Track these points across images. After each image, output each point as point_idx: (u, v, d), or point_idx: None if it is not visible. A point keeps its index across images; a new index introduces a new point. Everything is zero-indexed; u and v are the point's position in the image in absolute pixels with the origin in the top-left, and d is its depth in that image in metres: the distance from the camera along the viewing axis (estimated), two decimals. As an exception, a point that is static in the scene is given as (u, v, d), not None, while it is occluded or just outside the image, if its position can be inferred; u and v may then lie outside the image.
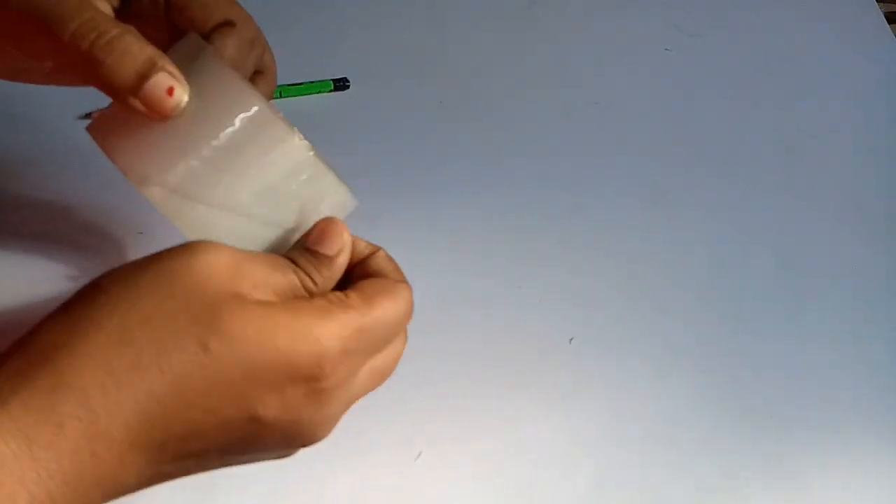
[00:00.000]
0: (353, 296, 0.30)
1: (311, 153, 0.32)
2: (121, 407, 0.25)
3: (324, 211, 0.33)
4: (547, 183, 0.55)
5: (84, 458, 0.25)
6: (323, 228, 0.32)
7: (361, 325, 0.29)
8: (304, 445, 0.31)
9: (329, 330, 0.28)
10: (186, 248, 0.28)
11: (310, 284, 0.30)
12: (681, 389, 0.47)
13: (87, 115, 0.52)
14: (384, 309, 0.30)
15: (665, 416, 0.46)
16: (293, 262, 0.31)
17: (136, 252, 0.47)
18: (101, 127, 0.33)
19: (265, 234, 0.32)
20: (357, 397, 0.31)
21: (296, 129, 0.32)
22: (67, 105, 0.52)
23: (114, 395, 0.25)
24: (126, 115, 0.31)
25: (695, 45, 0.65)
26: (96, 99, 0.52)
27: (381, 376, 0.32)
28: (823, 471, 0.45)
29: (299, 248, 0.32)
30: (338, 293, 0.30)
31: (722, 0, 0.68)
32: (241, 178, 0.31)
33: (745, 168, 0.57)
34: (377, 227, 0.50)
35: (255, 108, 0.31)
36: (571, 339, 0.48)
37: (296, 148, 0.32)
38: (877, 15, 0.69)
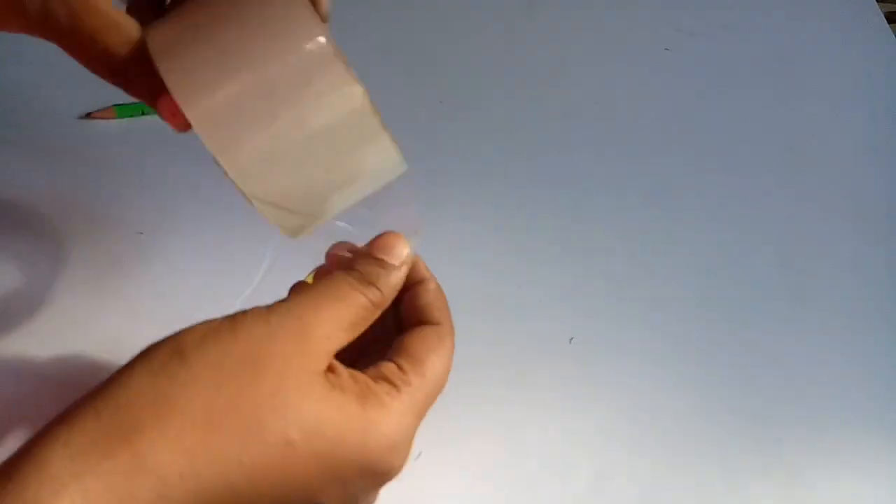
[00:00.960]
0: (407, 368, 0.30)
1: (369, 104, 0.30)
2: (197, 497, 0.25)
3: (369, 165, 0.31)
4: (547, 183, 0.55)
5: None
6: (387, 238, 0.32)
7: (421, 397, 0.30)
8: None
9: (397, 423, 0.29)
10: (261, 316, 0.28)
11: (377, 297, 0.30)
12: (681, 389, 0.47)
13: (88, 115, 0.52)
14: (436, 370, 0.30)
15: (665, 415, 0.46)
16: (357, 270, 0.30)
17: (136, 252, 0.47)
18: (157, 36, 0.30)
19: (305, 178, 0.30)
20: None
21: (355, 73, 0.30)
22: (68, 105, 0.53)
23: (192, 483, 0.25)
24: (180, 27, 0.29)
25: (695, 45, 0.65)
26: (96, 99, 0.52)
27: None
28: (823, 470, 0.45)
29: (364, 256, 0.31)
30: (392, 367, 0.30)
31: (722, 0, 0.68)
32: (288, 114, 0.29)
33: (745, 167, 0.57)
34: (376, 226, 0.50)
35: (318, 41, 0.29)
36: (571, 339, 0.48)
37: (355, 96, 0.30)
38: (877, 15, 0.69)
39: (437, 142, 0.56)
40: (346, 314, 0.29)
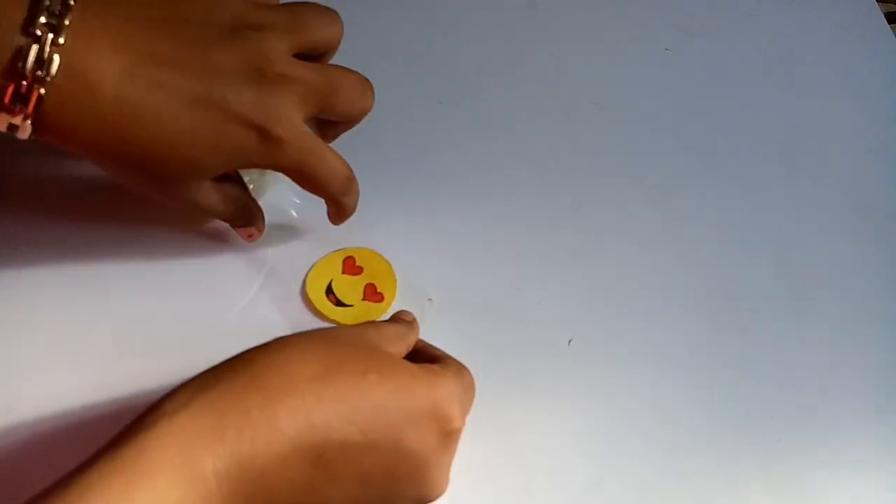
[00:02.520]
0: (446, 365, 0.37)
1: None
2: (296, 410, 0.31)
3: None
4: (546, 183, 0.55)
5: (259, 447, 0.30)
6: (399, 312, 0.42)
7: (465, 385, 0.37)
8: (426, 497, 0.35)
9: (450, 383, 0.35)
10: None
11: (406, 324, 0.40)
12: (680, 390, 0.47)
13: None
14: (468, 376, 0.38)
15: (664, 416, 0.46)
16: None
17: (136, 252, 0.47)
18: None
19: None
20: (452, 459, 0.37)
21: None
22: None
23: (292, 400, 0.31)
24: None
25: (695, 45, 0.64)
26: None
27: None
28: (823, 471, 0.45)
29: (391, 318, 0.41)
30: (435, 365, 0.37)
31: (722, 0, 0.68)
32: None
33: (745, 168, 0.57)
34: (376, 227, 0.50)
35: None
36: (570, 341, 0.48)
37: None
38: (877, 15, 0.69)
39: (436, 142, 0.56)
40: (396, 327, 0.38)
